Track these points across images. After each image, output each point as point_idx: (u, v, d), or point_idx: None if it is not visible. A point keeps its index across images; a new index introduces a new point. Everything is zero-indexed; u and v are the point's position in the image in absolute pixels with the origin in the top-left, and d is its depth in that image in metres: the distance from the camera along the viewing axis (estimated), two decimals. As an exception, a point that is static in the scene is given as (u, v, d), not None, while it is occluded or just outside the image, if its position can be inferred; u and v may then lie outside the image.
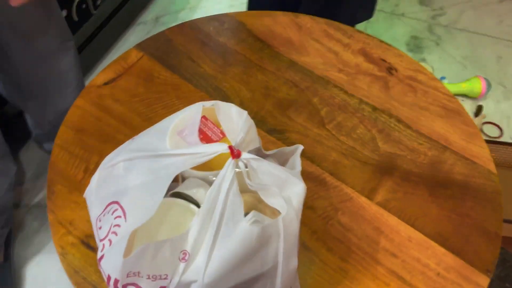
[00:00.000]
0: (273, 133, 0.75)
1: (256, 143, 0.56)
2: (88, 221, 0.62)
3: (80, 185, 0.67)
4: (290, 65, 0.85)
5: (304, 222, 0.65)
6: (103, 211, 0.52)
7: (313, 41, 0.90)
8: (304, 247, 0.63)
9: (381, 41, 0.90)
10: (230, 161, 0.48)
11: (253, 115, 0.77)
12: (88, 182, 0.67)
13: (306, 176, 0.70)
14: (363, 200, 0.68)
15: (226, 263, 0.45)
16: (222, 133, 0.57)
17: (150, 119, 0.75)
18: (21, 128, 1.25)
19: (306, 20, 0.93)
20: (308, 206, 0.67)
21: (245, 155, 0.50)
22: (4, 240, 1.05)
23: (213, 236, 0.46)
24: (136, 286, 0.45)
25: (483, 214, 0.68)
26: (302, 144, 0.74)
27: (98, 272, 0.59)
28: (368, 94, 0.82)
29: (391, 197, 0.69)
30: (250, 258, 0.46)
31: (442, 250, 0.64)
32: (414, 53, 1.67)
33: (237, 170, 0.49)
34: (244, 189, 0.50)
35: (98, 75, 0.81)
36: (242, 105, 0.79)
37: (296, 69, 0.85)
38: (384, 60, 0.87)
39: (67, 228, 0.63)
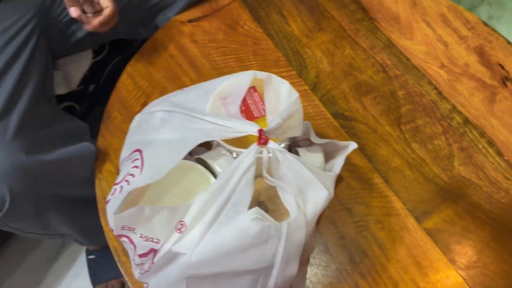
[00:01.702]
0: (339, 117, 0.69)
1: (297, 131, 0.51)
2: (130, 155, 0.64)
3: (134, 118, 0.68)
4: (386, 46, 0.75)
5: (336, 223, 0.60)
6: (128, 156, 0.52)
7: (424, 24, 0.77)
8: (325, 249, 0.59)
9: (508, 43, 0.75)
10: (253, 147, 0.45)
11: (324, 92, 0.71)
12: (142, 117, 0.69)
13: (356, 174, 0.64)
14: (410, 220, 0.60)
15: (217, 249, 0.43)
16: (265, 110, 0.53)
17: (219, 69, 0.73)
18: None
19: (425, -3, 0.80)
20: (346, 207, 0.61)
21: (272, 144, 0.45)
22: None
23: (212, 218, 0.44)
24: (129, 240, 0.46)
25: (551, 284, 0.56)
26: (367, 139, 0.67)
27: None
28: (465, 103, 0.70)
29: (445, 228, 0.60)
30: (243, 252, 0.44)
31: (481, 306, 0.55)
32: None
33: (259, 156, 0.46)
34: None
35: (186, 12, 0.80)
36: (317, 77, 0.72)
37: (391, 52, 0.75)
38: (502, 66, 0.73)
39: (110, 156, 0.65)
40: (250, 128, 0.46)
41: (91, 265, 0.95)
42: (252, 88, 0.54)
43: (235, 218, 0.43)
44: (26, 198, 0.58)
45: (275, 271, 0.46)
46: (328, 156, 0.59)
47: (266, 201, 0.51)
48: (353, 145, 0.56)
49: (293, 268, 0.47)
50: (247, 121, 0.48)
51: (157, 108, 0.53)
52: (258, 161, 0.45)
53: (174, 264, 0.45)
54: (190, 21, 0.78)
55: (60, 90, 0.81)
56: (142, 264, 0.48)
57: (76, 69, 0.83)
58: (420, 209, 0.61)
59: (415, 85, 0.71)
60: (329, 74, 0.73)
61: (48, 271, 1.00)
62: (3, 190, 0.55)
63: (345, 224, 0.60)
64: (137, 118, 0.57)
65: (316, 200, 0.46)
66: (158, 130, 0.51)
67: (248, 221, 0.42)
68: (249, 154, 0.44)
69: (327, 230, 0.60)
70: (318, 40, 0.76)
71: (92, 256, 0.94)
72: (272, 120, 0.47)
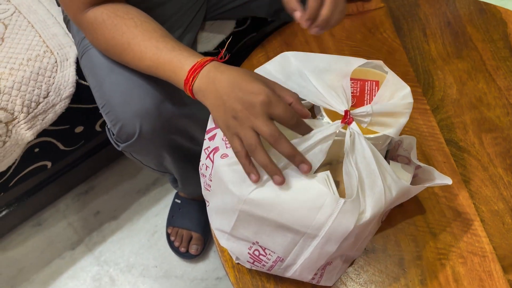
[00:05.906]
0: (452, 145, 0.67)
1: (391, 131, 0.51)
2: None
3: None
4: (524, 91, 0.72)
5: (418, 242, 0.60)
6: None
7: None
8: (400, 263, 0.59)
9: None
10: (336, 122, 0.48)
11: (445, 117, 0.70)
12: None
13: (453, 204, 0.63)
14: (495, 267, 0.58)
15: (274, 196, 0.46)
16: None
17: (347, 66, 0.75)
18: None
19: None
20: (432, 231, 0.61)
21: (354, 126, 0.48)
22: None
23: (277, 169, 0.46)
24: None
25: None
26: (474, 174, 0.65)
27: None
28: None
29: (531, 287, 0.57)
30: (296, 210, 0.46)
31: None
32: None
33: (340, 138, 0.49)
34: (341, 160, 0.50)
35: (332, 5, 0.83)
36: (441, 101, 0.72)
37: (528, 99, 0.71)
38: None
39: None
40: (339, 107, 0.49)
41: (173, 207, 1.03)
42: (375, 82, 0.56)
43: (300, 175, 0.46)
44: (152, 136, 0.66)
45: (315, 242, 0.48)
46: (419, 181, 0.59)
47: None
48: (447, 181, 0.55)
49: (332, 248, 0.48)
50: (343, 99, 0.50)
51: (299, 65, 0.56)
52: (336, 142, 0.48)
53: (232, 195, 0.48)
54: (333, 15, 0.82)
55: (200, 48, 0.89)
56: (204, 176, 0.54)
57: (218, 33, 0.91)
58: (510, 259, 0.59)
59: (543, 138, 0.68)
60: (454, 101, 0.72)
61: (135, 202, 1.11)
62: (136, 125, 0.63)
63: (427, 247, 0.60)
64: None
65: (379, 196, 0.47)
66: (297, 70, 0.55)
67: (312, 180, 0.46)
68: (331, 127, 0.47)
69: (407, 246, 0.60)
70: (453, 66, 0.75)
71: (179, 201, 1.02)
72: (363, 107, 0.49)
